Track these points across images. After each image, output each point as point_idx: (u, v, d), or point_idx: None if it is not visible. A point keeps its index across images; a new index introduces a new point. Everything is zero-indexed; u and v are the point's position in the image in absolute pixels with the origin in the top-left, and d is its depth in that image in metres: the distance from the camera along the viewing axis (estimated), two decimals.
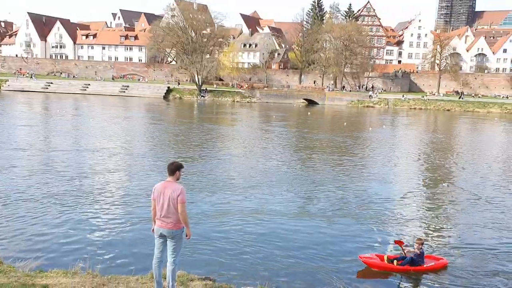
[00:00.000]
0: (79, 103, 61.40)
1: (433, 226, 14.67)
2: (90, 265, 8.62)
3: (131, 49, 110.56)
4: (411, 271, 10.60)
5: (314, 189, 18.65)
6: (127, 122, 41.60)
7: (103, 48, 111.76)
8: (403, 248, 10.93)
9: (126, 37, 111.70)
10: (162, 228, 6.87)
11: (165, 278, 7.11)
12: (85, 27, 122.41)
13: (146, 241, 11.13)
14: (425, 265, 10.67)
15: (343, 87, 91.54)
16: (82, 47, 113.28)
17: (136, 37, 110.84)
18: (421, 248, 10.76)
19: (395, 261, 10.65)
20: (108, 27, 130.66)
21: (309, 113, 60.84)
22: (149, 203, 7.56)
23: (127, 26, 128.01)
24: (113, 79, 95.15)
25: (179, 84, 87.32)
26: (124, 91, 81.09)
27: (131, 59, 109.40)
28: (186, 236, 6.98)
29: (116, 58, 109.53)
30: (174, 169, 6.96)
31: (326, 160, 25.98)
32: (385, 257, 10.75)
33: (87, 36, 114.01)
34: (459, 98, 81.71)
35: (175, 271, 7.05)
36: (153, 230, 7.09)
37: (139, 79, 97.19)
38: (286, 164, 24.14)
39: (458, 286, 10.26)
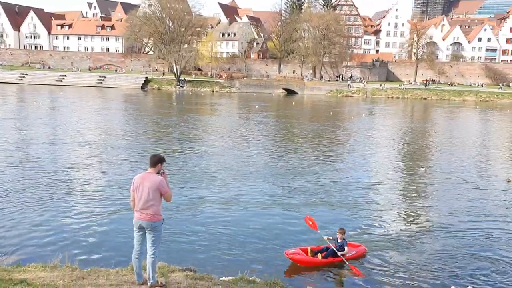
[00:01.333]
0: (56, 95, 60.23)
1: (404, 211, 14.98)
2: (69, 259, 8.55)
3: (107, 39, 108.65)
4: (335, 262, 10.54)
5: (294, 179, 18.78)
6: (105, 114, 41.02)
7: (79, 39, 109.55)
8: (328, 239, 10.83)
9: (103, 27, 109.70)
10: (140, 220, 6.83)
11: (146, 270, 7.10)
12: (60, 16, 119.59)
13: (126, 234, 11.10)
14: (347, 254, 10.64)
15: (321, 76, 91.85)
16: (57, 38, 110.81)
17: (112, 27, 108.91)
18: (343, 238, 10.80)
19: (319, 254, 10.58)
20: (83, 17, 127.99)
21: (293, 103, 60.98)
22: (128, 195, 7.51)
23: (103, 16, 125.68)
24: (89, 70, 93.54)
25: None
26: (101, 82, 79.88)
27: (107, 49, 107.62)
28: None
29: (93, 49, 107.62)
30: (157, 161, 6.95)
31: (307, 150, 26.20)
32: (309, 250, 10.64)
33: (62, 26, 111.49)
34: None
35: (155, 263, 7.04)
36: None
37: (116, 70, 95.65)
38: (266, 154, 24.22)
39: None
